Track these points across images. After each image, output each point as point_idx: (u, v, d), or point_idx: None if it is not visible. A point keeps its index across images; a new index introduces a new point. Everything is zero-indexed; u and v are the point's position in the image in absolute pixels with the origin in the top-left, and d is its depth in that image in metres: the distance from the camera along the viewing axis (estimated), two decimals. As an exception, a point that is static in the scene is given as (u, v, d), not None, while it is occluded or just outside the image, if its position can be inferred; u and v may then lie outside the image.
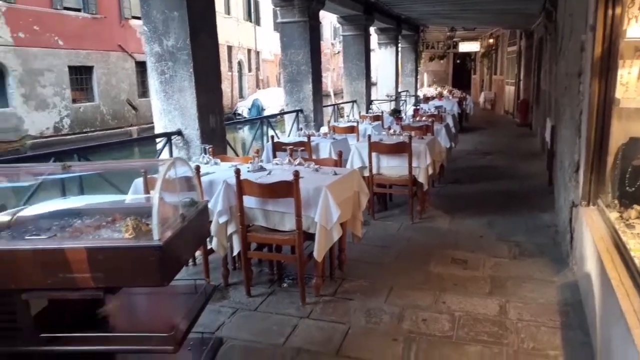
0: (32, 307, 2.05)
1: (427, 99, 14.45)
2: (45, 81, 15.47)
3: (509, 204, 6.09)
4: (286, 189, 3.27)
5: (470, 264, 4.17)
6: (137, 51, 18.84)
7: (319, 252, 3.33)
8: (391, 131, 5.74)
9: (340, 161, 4.10)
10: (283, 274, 3.95)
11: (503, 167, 8.67)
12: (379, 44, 13.44)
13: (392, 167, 5.27)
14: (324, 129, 7.04)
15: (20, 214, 2.35)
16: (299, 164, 3.98)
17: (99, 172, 3.22)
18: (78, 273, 1.96)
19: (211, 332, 3.07)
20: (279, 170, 3.84)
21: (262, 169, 3.86)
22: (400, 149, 5.07)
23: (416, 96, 15.94)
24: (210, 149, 4.14)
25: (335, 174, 3.67)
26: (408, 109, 12.37)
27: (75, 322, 2.24)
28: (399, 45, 14.12)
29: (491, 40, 21.50)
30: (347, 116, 8.93)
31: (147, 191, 3.61)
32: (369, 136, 5.26)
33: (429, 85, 27.59)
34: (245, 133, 18.05)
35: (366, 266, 4.13)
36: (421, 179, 5.17)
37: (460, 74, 31.05)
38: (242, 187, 3.40)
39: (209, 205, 3.51)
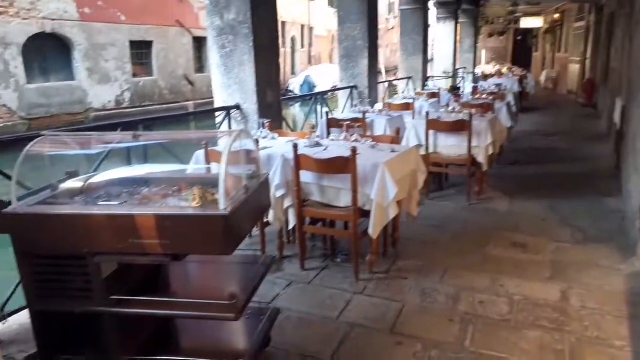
0: (103, 270, 2.15)
1: (485, 77, 13.96)
2: (108, 55, 16.01)
3: (573, 187, 5.83)
4: (343, 165, 3.25)
5: (531, 247, 4.04)
6: (194, 26, 19.14)
7: (374, 229, 3.31)
8: (450, 109, 5.59)
9: (397, 138, 4.03)
10: (336, 249, 3.97)
11: (566, 149, 8.30)
12: (437, 18, 13.03)
13: (450, 146, 5.14)
14: (379, 106, 6.94)
15: (92, 180, 2.46)
16: (355, 140, 3.94)
17: (162, 143, 3.31)
18: (147, 239, 2.03)
19: (267, 302, 3.14)
20: (335, 146, 3.82)
21: (318, 144, 3.86)
22: (459, 127, 4.93)
23: (474, 73, 15.42)
24: (267, 124, 4.16)
25: (393, 151, 3.61)
26: (466, 87, 12.00)
27: (142, 287, 2.33)
28: (458, 20, 13.62)
29: (556, 16, 20.40)
30: (402, 93, 8.77)
31: (208, 162, 3.69)
32: (427, 113, 5.14)
33: (487, 63, 26.63)
34: (296, 110, 18.08)
35: (420, 246, 4.08)
36: (480, 159, 5.03)
37: (521, 51, 29.75)
38: (299, 162, 3.41)
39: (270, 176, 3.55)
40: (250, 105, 4.63)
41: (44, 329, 2.18)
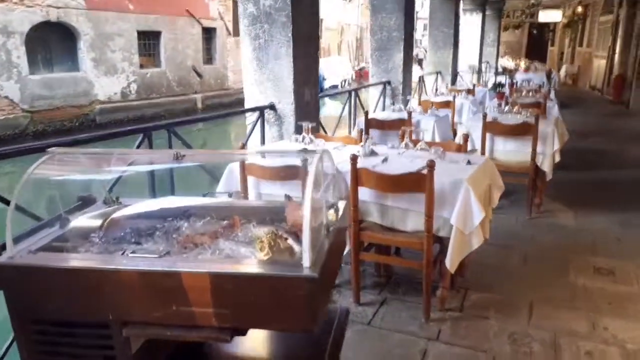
0: (132, 343, 1.56)
1: (508, 71, 13.30)
2: (115, 46, 15.35)
3: (638, 197, 5.21)
4: (416, 182, 2.64)
5: (619, 275, 3.43)
6: (204, 17, 18.47)
7: (452, 261, 2.70)
8: (506, 109, 4.96)
9: (465, 146, 3.42)
10: (392, 278, 3.37)
11: (611, 151, 7.66)
12: (463, 10, 12.33)
13: (509, 152, 4.52)
14: (414, 104, 6.32)
15: (114, 215, 1.86)
16: (422, 149, 3.32)
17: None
18: (198, 306, 1.43)
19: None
20: (395, 155, 3.21)
21: (374, 153, 3.25)
22: (523, 130, 4.31)
23: (496, 68, 14.74)
24: (309, 127, 3.54)
25: (469, 162, 3.00)
26: (488, 80, 11.34)
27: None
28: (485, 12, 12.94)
29: (580, 9, 19.65)
30: (435, 90, 8.13)
31: (243, 179, 3.09)
32: (484, 115, 4.51)
33: (501, 57, 25.92)
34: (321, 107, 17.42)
35: (490, 272, 3.47)
36: (545, 167, 4.41)
37: (536, 45, 28.95)
38: (358, 177, 2.80)
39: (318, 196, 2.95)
40: (286, 105, 4.01)
41: None
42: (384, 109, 6.48)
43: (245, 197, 3.09)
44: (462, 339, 2.68)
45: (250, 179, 3.15)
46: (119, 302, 1.48)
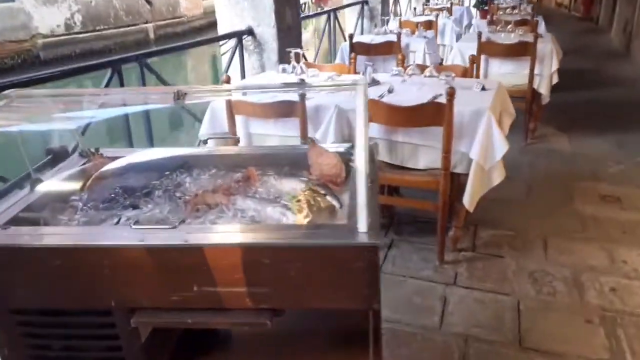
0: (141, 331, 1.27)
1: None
2: (51, -30, 13.90)
3: (629, 116, 5.11)
4: (434, 114, 2.35)
5: (626, 201, 3.32)
6: None
7: (471, 199, 2.48)
8: (498, 27, 4.63)
9: (472, 69, 3.12)
10: (394, 218, 3.15)
11: (589, 70, 7.52)
12: None
13: (504, 74, 4.24)
14: (393, 25, 5.91)
15: (94, 169, 1.51)
16: (431, 75, 2.99)
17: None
18: (226, 285, 1.14)
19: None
20: (400, 84, 2.89)
21: (375, 82, 2.91)
22: (521, 50, 4.02)
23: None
24: (296, 54, 3.14)
25: (484, 88, 2.71)
26: None
27: (199, 345, 1.48)
28: None
29: None
30: (414, 9, 7.64)
31: (231, 118, 2.71)
32: (479, 34, 4.18)
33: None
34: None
35: (496, 205, 3.29)
36: (543, 89, 4.18)
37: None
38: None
39: (317, 137, 2.64)
40: (267, 28, 3.56)
41: None
42: (362, 33, 6.03)
43: (235, 139, 2.74)
44: (481, 282, 2.52)
45: (238, 118, 2.78)
46: (123, 286, 1.18)
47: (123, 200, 1.41)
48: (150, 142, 2.74)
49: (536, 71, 4.08)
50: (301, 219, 1.18)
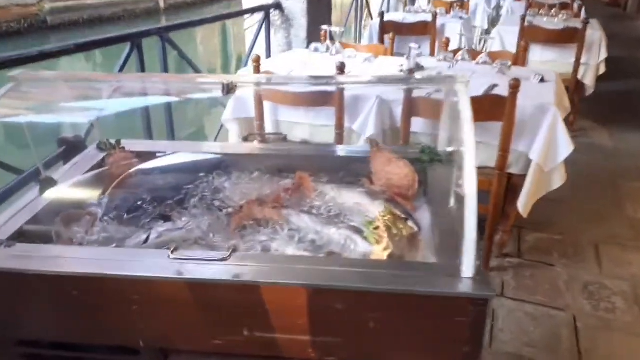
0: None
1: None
2: None
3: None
4: (492, 108, 2.08)
5: (680, 207, 3.07)
6: None
7: (526, 203, 2.24)
8: (541, 11, 4.31)
9: (523, 56, 2.83)
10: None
11: (623, 58, 7.14)
12: None
13: (546, 62, 3.93)
14: (423, 3, 5.58)
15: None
16: (484, 62, 2.69)
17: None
18: (285, 332, 0.91)
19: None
20: (446, 71, 2.61)
21: (419, 67, 2.63)
22: (568, 37, 3.71)
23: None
24: (335, 33, 2.85)
25: (543, 80, 2.44)
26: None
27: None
28: None
29: None
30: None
31: (259, 105, 2.45)
32: (522, 17, 3.86)
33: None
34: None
35: (541, 205, 3.02)
36: (588, 79, 3.89)
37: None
38: (410, 104, 2.22)
39: (354, 128, 2.39)
40: (296, 2, 3.27)
41: None
42: (388, 11, 5.70)
43: (261, 126, 2.49)
44: (531, 294, 2.29)
45: (266, 104, 2.52)
46: (155, 324, 0.95)
47: (152, 210, 1.17)
48: (171, 130, 2.49)
49: (582, 60, 3.77)
50: (380, 251, 0.94)
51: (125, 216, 1.13)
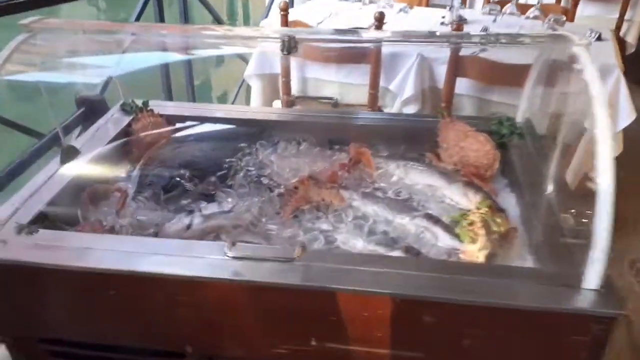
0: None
1: None
2: None
3: None
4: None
5: None
6: None
7: (575, 174, 2.05)
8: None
9: (573, 11, 2.60)
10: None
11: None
12: None
13: (585, 18, 3.66)
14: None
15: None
16: (512, 13, 2.47)
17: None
18: (359, 343, 0.78)
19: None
20: (491, 24, 2.37)
21: (462, 19, 2.39)
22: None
23: None
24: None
25: (600, 38, 2.23)
26: None
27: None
28: None
29: None
30: None
31: (285, 60, 2.23)
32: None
33: None
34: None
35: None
36: (630, 37, 3.61)
37: None
38: (457, 63, 2.01)
39: (391, 88, 2.19)
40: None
41: None
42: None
43: (287, 83, 2.29)
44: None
45: (293, 60, 2.32)
46: (205, 328, 0.81)
47: (191, 187, 1.01)
48: (191, 88, 2.29)
49: (626, 16, 3.50)
50: (475, 252, 0.78)
51: (163, 196, 0.97)
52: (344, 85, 2.38)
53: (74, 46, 1.16)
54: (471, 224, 0.80)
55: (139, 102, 1.24)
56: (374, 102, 2.23)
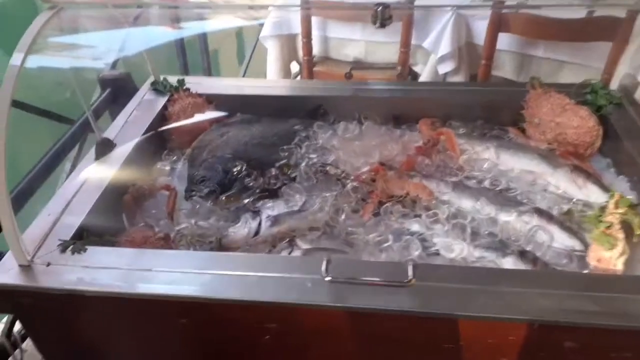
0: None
1: None
2: None
3: None
4: (602, 28, 1.71)
5: None
6: None
7: None
8: None
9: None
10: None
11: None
12: None
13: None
14: None
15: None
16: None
17: None
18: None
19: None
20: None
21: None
22: None
23: None
24: None
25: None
26: None
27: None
28: None
29: None
30: None
31: (306, 20, 2.04)
32: None
33: None
34: None
35: None
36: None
37: None
38: (499, 20, 1.83)
39: (425, 45, 2.03)
40: None
41: None
42: None
43: (308, 44, 2.11)
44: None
45: (315, 19, 2.13)
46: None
47: (251, 182, 0.87)
48: (207, 57, 2.10)
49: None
50: (614, 259, 0.66)
51: (222, 197, 0.83)
52: (370, 43, 2.21)
53: (93, 23, 1.00)
54: (609, 227, 0.67)
55: (172, 80, 1.08)
56: (405, 61, 2.07)
